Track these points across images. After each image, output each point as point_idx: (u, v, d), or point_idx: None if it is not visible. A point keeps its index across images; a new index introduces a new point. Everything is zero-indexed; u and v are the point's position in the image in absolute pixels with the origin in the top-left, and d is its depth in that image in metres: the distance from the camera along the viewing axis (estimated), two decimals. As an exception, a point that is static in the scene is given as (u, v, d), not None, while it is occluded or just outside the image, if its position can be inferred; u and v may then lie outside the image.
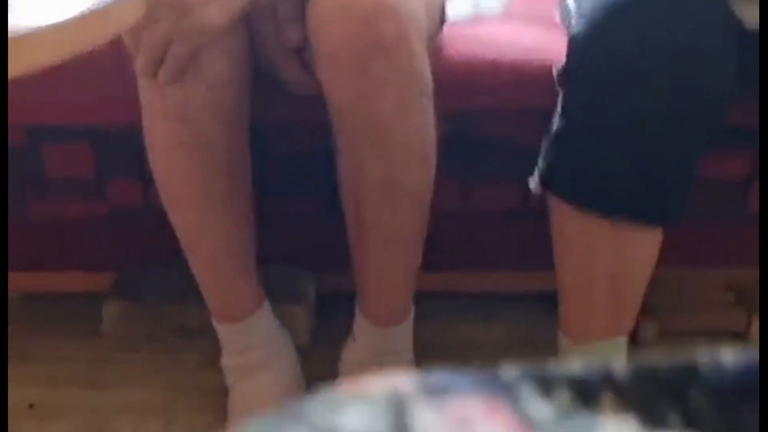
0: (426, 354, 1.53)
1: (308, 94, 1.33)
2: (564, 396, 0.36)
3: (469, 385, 0.37)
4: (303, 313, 1.61)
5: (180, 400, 1.53)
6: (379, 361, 1.46)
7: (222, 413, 1.48)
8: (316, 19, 1.23)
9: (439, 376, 0.37)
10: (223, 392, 1.49)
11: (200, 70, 1.25)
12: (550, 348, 1.39)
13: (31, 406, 1.51)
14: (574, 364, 0.37)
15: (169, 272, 1.59)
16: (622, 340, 1.36)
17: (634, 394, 0.36)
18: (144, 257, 1.63)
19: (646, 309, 1.40)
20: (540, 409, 0.36)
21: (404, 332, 1.48)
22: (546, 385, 0.37)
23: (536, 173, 1.30)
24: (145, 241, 1.62)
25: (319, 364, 1.53)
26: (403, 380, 0.38)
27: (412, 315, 1.48)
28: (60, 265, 1.65)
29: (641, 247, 1.30)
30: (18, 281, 1.63)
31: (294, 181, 1.59)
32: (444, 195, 1.42)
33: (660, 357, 0.37)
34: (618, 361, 0.37)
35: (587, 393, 0.36)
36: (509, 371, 0.38)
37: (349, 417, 0.35)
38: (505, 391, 0.37)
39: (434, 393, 0.37)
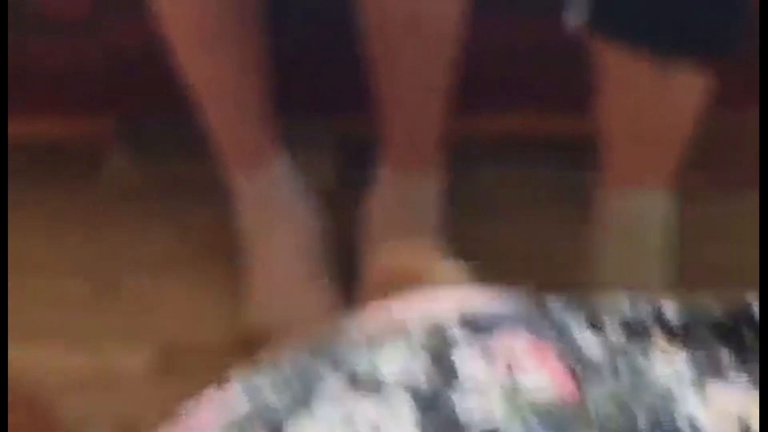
0: (454, 202, 1.50)
1: None
2: (615, 335, 0.34)
3: (514, 320, 0.35)
4: (324, 157, 1.60)
5: (188, 253, 1.53)
6: (403, 214, 1.45)
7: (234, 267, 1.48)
8: None
9: (483, 310, 0.35)
10: (234, 248, 1.48)
11: None
12: (580, 198, 1.38)
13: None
14: (623, 301, 0.35)
15: (175, 120, 1.56)
16: (665, 192, 1.33)
17: (687, 334, 0.34)
18: (147, 104, 1.59)
19: (693, 159, 1.36)
20: (592, 350, 0.34)
21: (429, 184, 1.46)
22: (596, 322, 0.35)
23: (574, 8, 1.23)
24: (148, 87, 1.56)
25: (341, 210, 1.52)
26: (443, 311, 0.36)
27: (438, 172, 1.46)
28: (59, 110, 1.61)
29: (690, 92, 1.25)
30: (17, 129, 1.60)
31: (308, 19, 1.55)
32: (473, 29, 1.35)
33: (710, 297, 0.35)
34: (667, 302, 0.35)
35: (638, 332, 0.34)
36: (556, 303, 0.36)
37: (388, 360, 0.34)
38: (553, 328, 0.35)
39: (477, 330, 0.35)
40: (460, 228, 1.48)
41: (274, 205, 1.47)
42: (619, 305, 0.35)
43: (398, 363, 0.33)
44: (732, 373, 0.33)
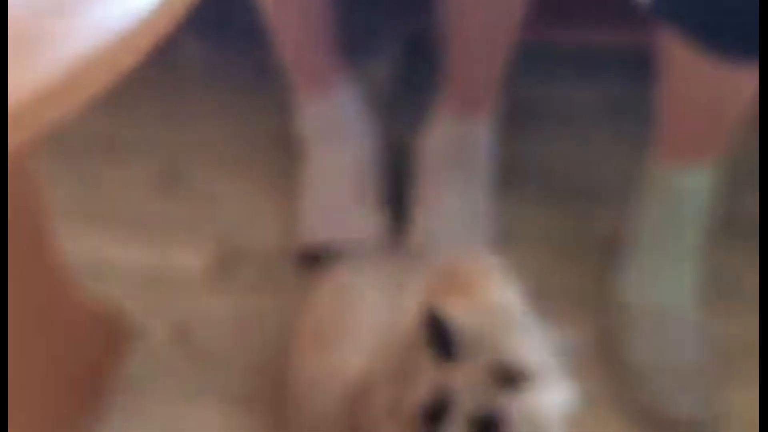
0: (522, 112, 1.50)
1: None
2: None
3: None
4: (385, 66, 1.60)
5: (258, 152, 1.52)
6: (456, 155, 1.44)
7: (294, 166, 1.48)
8: None
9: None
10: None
11: None
12: (642, 112, 1.34)
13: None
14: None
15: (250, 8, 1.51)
16: (712, 173, 1.30)
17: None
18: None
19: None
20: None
21: (484, 130, 1.45)
22: None
23: None
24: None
25: (401, 122, 1.53)
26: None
27: (494, 119, 1.45)
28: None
29: (747, 79, 1.20)
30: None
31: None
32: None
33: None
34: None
35: None
36: None
37: None
38: None
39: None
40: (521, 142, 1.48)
41: (334, 127, 1.47)
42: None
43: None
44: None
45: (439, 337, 0.90)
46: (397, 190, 1.47)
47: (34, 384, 1.13)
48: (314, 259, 1.38)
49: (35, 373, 1.13)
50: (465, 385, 0.88)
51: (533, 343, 0.94)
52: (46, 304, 1.13)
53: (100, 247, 1.42)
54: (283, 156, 1.51)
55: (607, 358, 1.32)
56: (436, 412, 0.88)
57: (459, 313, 0.91)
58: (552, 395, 0.91)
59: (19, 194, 1.04)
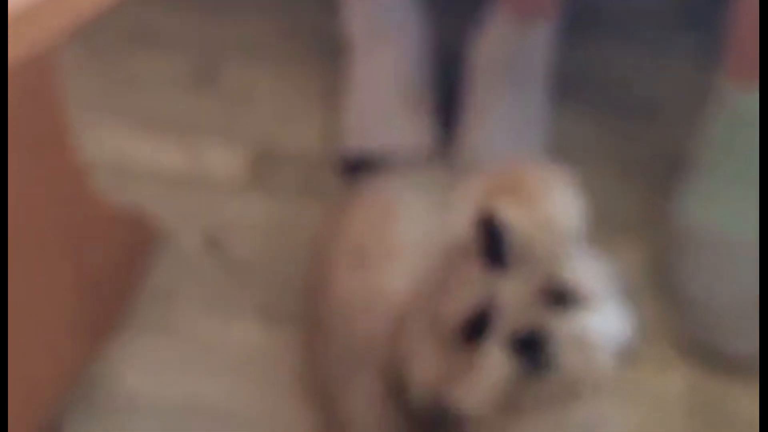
0: (585, 19, 1.48)
1: None
2: None
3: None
4: None
5: (296, 49, 1.50)
6: (512, 61, 1.43)
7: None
8: None
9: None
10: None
11: None
12: (714, 25, 1.33)
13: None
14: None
15: None
16: None
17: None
18: None
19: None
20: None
21: (541, 34, 1.43)
22: None
23: None
24: None
25: (454, 24, 1.49)
26: None
27: (552, 23, 1.43)
28: None
29: None
30: None
31: None
32: None
33: None
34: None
35: None
36: None
37: None
38: None
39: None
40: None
41: (382, 27, 1.46)
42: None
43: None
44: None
45: (491, 243, 0.86)
46: (447, 96, 1.46)
47: (54, 287, 1.13)
48: (356, 167, 1.37)
49: (53, 276, 1.12)
50: (511, 299, 0.84)
51: (589, 265, 0.89)
52: (64, 204, 1.11)
53: (128, 146, 1.41)
54: (327, 56, 1.50)
55: (661, 286, 1.30)
56: (477, 326, 0.84)
57: (515, 220, 0.86)
58: (604, 321, 0.87)
59: (38, 89, 1.02)
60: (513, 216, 0.86)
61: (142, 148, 1.41)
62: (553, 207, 0.89)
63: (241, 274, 1.32)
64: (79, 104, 1.18)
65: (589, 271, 0.89)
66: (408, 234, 1.09)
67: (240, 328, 1.27)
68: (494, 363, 0.84)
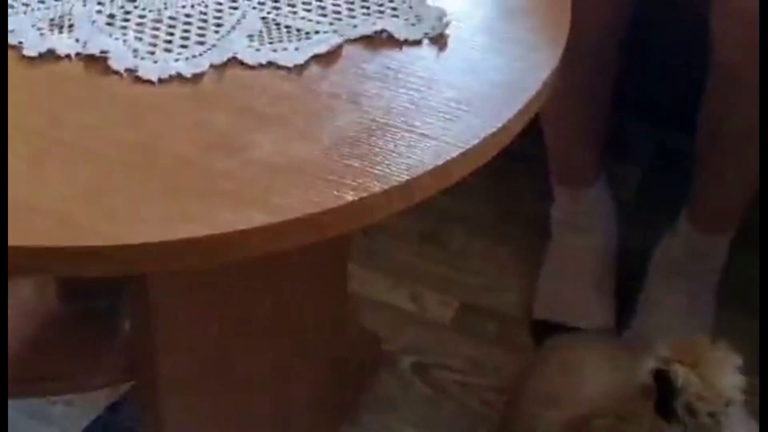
0: None
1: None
2: None
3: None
4: (633, 171, 1.67)
5: (513, 221, 1.62)
6: (691, 267, 1.46)
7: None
8: None
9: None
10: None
11: None
12: None
13: None
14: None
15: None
16: None
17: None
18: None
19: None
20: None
21: (724, 247, 1.47)
22: None
23: None
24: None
25: (640, 224, 1.57)
26: None
27: (731, 234, 1.45)
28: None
29: None
30: None
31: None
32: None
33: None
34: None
35: None
36: None
37: None
38: None
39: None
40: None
41: (584, 219, 1.53)
42: None
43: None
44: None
45: (666, 395, 1.03)
46: (621, 288, 1.52)
47: (313, 386, 1.30)
48: (546, 331, 1.46)
49: (315, 378, 1.29)
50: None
51: (743, 428, 1.07)
52: (335, 324, 1.30)
53: (370, 288, 1.58)
54: (533, 236, 1.61)
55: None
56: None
57: (688, 381, 1.03)
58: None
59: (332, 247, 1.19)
60: (686, 377, 1.04)
61: (380, 290, 1.57)
62: (721, 376, 1.05)
63: (442, 400, 1.44)
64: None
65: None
66: (585, 384, 1.23)
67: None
68: None
